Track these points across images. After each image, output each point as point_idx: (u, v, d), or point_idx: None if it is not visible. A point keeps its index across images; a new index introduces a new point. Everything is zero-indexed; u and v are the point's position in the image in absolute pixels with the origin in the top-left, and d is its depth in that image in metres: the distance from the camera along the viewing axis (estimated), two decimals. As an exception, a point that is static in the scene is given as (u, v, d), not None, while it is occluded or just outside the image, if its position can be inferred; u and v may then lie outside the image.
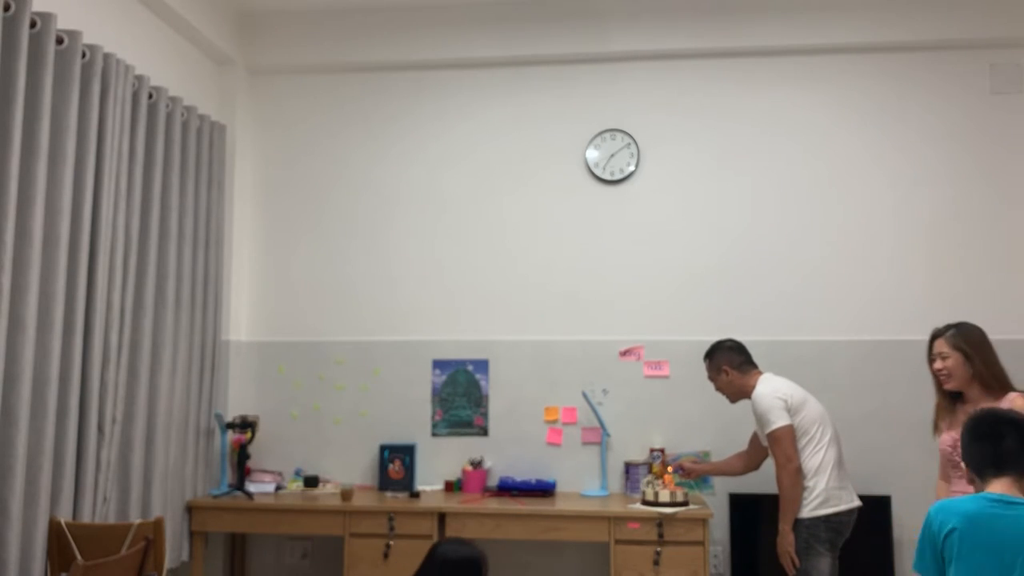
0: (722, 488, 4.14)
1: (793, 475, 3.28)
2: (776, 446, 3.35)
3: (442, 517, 3.85)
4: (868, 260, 4.27)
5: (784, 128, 4.38)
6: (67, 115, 3.12)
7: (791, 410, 3.35)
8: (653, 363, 4.33)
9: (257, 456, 4.41)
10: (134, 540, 2.90)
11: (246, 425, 4.18)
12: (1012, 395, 2.84)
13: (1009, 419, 2.24)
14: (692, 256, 4.37)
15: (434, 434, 4.42)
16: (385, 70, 4.64)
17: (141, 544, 2.84)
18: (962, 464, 2.31)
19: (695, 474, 3.90)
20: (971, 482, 2.28)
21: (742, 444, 3.83)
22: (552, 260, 4.45)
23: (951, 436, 2.90)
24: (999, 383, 2.90)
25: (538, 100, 4.54)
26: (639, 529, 3.69)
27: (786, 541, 3.33)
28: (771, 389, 3.41)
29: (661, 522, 3.68)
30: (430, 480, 4.36)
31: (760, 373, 3.58)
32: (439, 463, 4.38)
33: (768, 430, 3.36)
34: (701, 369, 3.74)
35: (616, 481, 4.26)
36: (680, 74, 4.46)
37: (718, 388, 3.67)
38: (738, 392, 3.60)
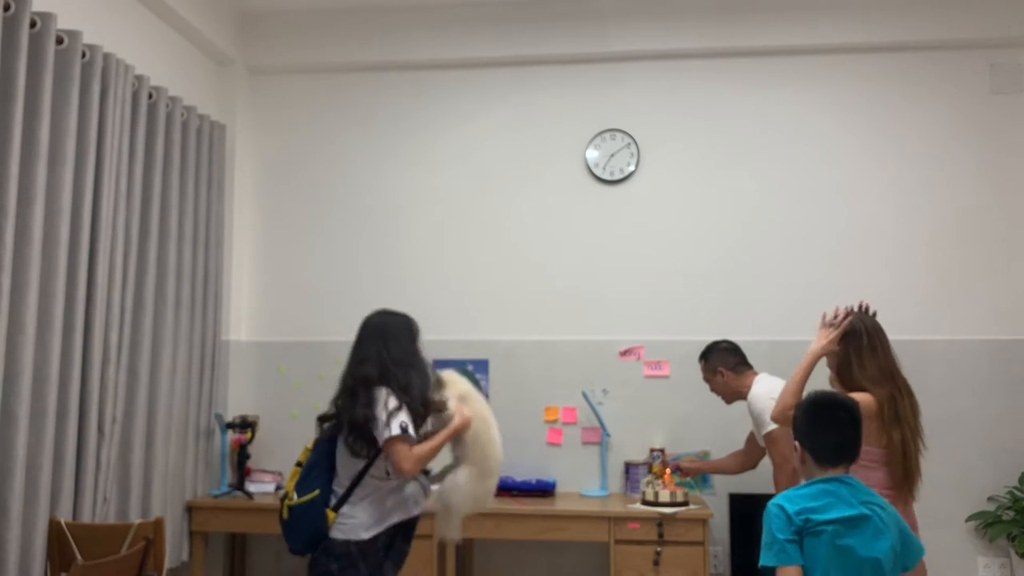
0: (722, 488, 4.14)
1: (790, 475, 3.27)
2: (773, 447, 3.34)
3: (442, 517, 3.84)
4: (868, 260, 4.27)
5: (784, 128, 4.38)
6: (67, 115, 3.12)
7: (788, 410, 3.35)
8: (653, 363, 4.33)
9: (257, 456, 4.41)
10: (134, 540, 2.89)
11: (246, 425, 4.18)
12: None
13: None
14: (692, 256, 4.37)
15: (434, 434, 4.41)
16: (385, 70, 4.64)
17: (141, 544, 2.83)
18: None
19: (692, 473, 3.90)
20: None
21: (742, 444, 3.82)
22: (552, 260, 4.45)
23: None
24: None
25: (538, 100, 4.54)
26: (639, 529, 3.69)
27: (786, 541, 3.33)
28: (767, 390, 3.39)
29: (661, 522, 3.68)
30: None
31: (755, 373, 3.57)
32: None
33: (765, 431, 3.36)
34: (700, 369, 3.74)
35: (616, 481, 4.26)
36: (680, 74, 4.46)
37: (713, 389, 3.67)
38: (734, 393, 3.59)
